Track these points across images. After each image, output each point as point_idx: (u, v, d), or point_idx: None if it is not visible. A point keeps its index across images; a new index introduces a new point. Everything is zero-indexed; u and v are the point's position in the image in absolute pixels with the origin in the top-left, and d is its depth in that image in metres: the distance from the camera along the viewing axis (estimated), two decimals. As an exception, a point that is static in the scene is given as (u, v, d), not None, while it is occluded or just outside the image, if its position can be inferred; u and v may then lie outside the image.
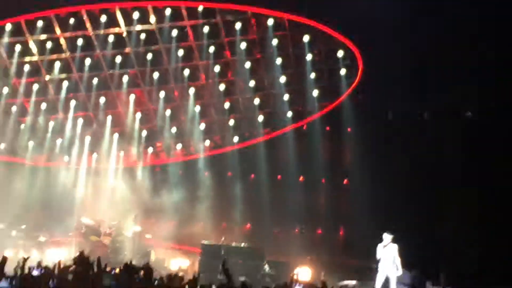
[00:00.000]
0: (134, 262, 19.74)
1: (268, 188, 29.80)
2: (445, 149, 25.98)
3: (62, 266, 14.92)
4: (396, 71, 25.69)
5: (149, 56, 28.98)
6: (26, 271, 13.91)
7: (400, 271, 22.74)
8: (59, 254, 24.82)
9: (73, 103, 30.11)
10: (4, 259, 11.19)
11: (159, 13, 27.87)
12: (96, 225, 27.10)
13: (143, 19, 28.05)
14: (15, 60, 28.72)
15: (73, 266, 14.29)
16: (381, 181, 25.66)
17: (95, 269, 13.15)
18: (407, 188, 25.77)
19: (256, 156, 29.95)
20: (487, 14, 24.60)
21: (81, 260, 13.00)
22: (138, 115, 30.46)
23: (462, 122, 26.87)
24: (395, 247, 22.71)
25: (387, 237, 22.75)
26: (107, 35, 28.42)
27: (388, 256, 22.86)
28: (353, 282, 22.93)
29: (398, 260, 22.73)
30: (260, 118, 30.01)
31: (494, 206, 24.39)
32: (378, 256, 22.77)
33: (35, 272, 14.55)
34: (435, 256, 24.21)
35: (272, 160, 29.97)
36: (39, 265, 15.71)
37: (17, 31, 28.10)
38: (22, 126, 30.32)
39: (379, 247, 22.81)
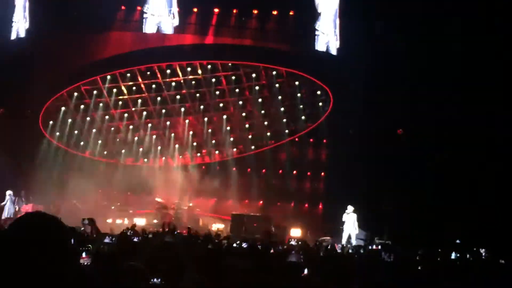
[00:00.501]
0: (188, 226, 20.11)
1: (273, 178, 29.90)
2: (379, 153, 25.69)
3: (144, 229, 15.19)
4: (355, 102, 25.55)
5: (198, 94, 28.84)
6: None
7: (357, 231, 22.94)
8: (141, 221, 25.18)
9: (149, 125, 30.13)
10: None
11: (203, 67, 27.80)
12: (165, 202, 27.24)
13: (194, 71, 28.04)
14: (112, 97, 28.77)
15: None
16: (345, 173, 25.54)
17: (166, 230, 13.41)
18: (363, 177, 25.58)
19: (266, 158, 29.95)
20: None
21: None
22: (191, 132, 30.54)
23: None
24: (355, 215, 22.92)
25: (350, 208, 22.97)
26: (171, 81, 28.32)
27: (350, 221, 23.05)
28: (328, 238, 22.94)
29: (356, 224, 22.93)
30: (268, 134, 29.91)
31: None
32: (343, 220, 22.99)
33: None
34: (381, 221, 24.08)
35: (276, 160, 29.98)
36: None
37: (113, 79, 28.09)
38: (117, 139, 30.41)
39: (344, 215, 23.02)
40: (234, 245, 14.30)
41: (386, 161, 24.84)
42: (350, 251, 17.61)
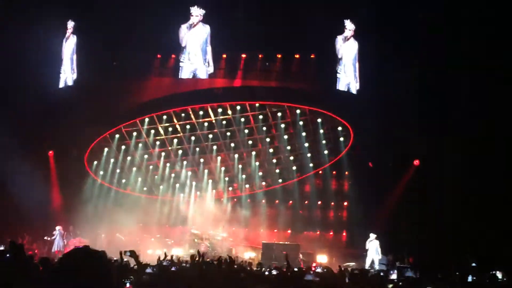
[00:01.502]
0: (222, 255, 20.19)
1: (300, 208, 30.01)
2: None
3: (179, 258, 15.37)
4: (372, 138, 25.68)
5: (228, 133, 29.23)
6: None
7: (380, 256, 22.89)
8: (179, 251, 25.31)
9: (184, 162, 30.55)
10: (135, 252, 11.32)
11: (233, 108, 28.16)
12: (200, 233, 27.39)
13: (224, 112, 28.40)
14: (151, 137, 29.19)
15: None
16: (366, 202, 25.58)
17: (200, 259, 13.55)
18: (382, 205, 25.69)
19: (292, 190, 30.11)
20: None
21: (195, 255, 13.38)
22: (223, 168, 30.81)
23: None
24: (377, 242, 22.90)
25: (372, 236, 23.01)
26: (203, 121, 28.70)
27: (373, 247, 23.05)
28: (352, 264, 22.93)
29: (379, 250, 22.91)
30: (294, 167, 30.09)
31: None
32: (366, 247, 22.96)
33: (165, 263, 14.92)
34: (403, 247, 23.97)
35: (302, 192, 30.16)
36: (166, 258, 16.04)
37: (151, 121, 28.56)
38: (156, 176, 30.77)
39: (367, 242, 23.02)
40: (266, 273, 14.42)
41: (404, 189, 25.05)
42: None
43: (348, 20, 25.76)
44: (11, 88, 24.78)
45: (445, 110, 24.20)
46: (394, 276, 19.45)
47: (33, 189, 23.98)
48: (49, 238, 25.43)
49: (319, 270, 17.95)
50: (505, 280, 16.81)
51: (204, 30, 25.41)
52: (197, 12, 25.19)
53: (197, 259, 15.26)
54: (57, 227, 25.40)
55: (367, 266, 22.47)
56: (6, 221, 24.53)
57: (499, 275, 17.60)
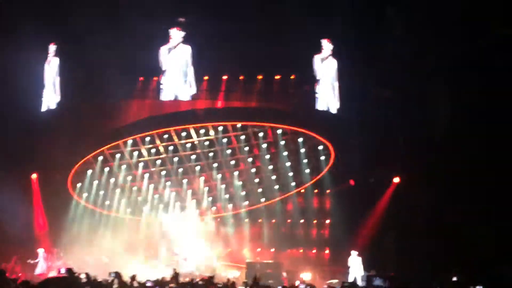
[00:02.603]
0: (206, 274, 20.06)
1: (282, 226, 30.01)
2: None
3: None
4: (355, 155, 25.78)
5: (211, 154, 29.13)
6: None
7: (362, 272, 22.96)
8: (163, 272, 25.11)
9: (168, 183, 30.44)
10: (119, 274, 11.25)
11: (215, 129, 28.06)
12: (184, 253, 27.15)
13: (206, 133, 28.26)
14: (134, 159, 29.06)
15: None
16: (346, 221, 25.68)
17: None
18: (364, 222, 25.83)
19: (275, 209, 30.11)
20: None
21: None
22: (206, 188, 30.73)
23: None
24: (359, 258, 22.96)
25: (353, 253, 23.09)
26: (186, 142, 28.56)
27: (355, 264, 23.13)
28: (335, 281, 22.96)
29: (361, 266, 22.97)
30: (276, 186, 30.07)
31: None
32: (349, 264, 23.05)
33: (148, 284, 14.82)
34: (385, 263, 24.00)
35: (284, 211, 30.17)
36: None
37: (134, 143, 28.40)
38: (139, 197, 30.58)
39: (350, 259, 23.12)
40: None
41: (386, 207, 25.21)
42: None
43: (326, 40, 25.97)
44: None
45: (426, 126, 24.36)
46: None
47: (17, 213, 23.77)
48: (32, 261, 25.17)
49: (302, 287, 18.00)
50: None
51: (185, 52, 25.48)
52: (176, 34, 25.29)
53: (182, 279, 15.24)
54: (40, 250, 25.23)
55: (349, 281, 22.51)
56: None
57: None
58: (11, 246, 25.04)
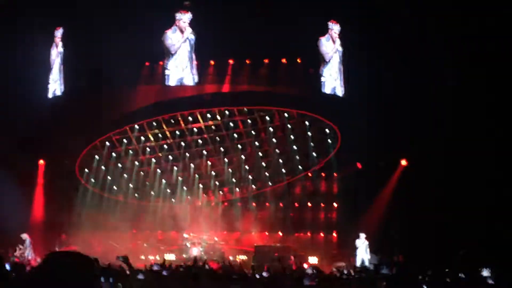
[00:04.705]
0: (214, 259, 20.05)
1: (290, 210, 29.92)
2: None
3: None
4: (361, 138, 25.50)
5: (218, 138, 29.06)
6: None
7: (369, 256, 22.83)
8: (171, 256, 25.18)
9: (175, 168, 30.36)
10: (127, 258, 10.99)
11: (222, 113, 28.03)
12: (192, 238, 27.26)
13: (213, 117, 28.27)
14: (141, 144, 29.07)
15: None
16: (354, 203, 25.53)
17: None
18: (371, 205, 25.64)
19: (282, 193, 30.00)
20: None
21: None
22: (213, 173, 30.63)
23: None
24: (366, 242, 22.82)
25: (362, 235, 22.94)
26: (193, 127, 28.64)
27: (363, 247, 22.97)
28: (343, 264, 22.86)
29: (368, 250, 22.84)
30: (283, 170, 29.91)
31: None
32: (357, 245, 22.94)
33: (155, 267, 14.82)
34: (391, 246, 23.87)
35: (292, 194, 30.06)
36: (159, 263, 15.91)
37: (140, 128, 28.39)
38: (147, 183, 30.54)
39: (357, 242, 22.99)
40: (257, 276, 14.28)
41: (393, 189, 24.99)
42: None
43: (332, 22, 25.64)
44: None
45: (433, 110, 24.04)
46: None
47: (21, 200, 23.59)
48: (21, 246, 24.17)
49: (309, 271, 17.86)
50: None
51: (190, 36, 25.13)
52: (182, 18, 24.93)
53: (189, 263, 15.18)
54: (23, 236, 24.05)
55: (357, 265, 22.37)
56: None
57: (486, 273, 17.46)
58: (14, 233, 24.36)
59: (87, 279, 3.13)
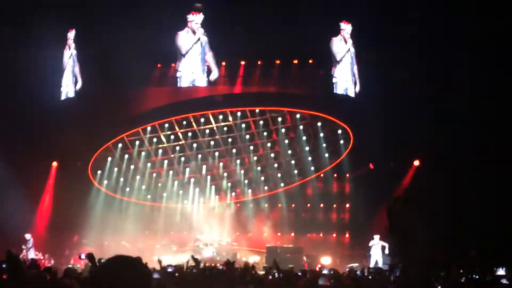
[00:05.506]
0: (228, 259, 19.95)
1: (302, 211, 29.84)
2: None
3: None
4: (372, 138, 25.36)
5: (230, 139, 29.02)
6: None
7: (382, 257, 22.69)
8: (184, 257, 25.09)
9: (187, 169, 30.34)
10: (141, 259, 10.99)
11: (233, 114, 28.01)
12: (205, 239, 27.23)
13: (225, 118, 28.28)
14: (153, 146, 29.02)
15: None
16: (366, 205, 25.35)
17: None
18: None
19: (295, 194, 29.92)
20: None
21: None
22: (225, 174, 30.59)
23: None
24: (381, 243, 22.70)
25: (376, 237, 22.79)
26: (205, 129, 28.60)
27: (377, 248, 22.83)
28: (356, 264, 22.74)
29: (386, 251, 22.69)
30: (295, 171, 29.78)
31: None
32: (370, 245, 22.83)
33: (170, 269, 14.72)
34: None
35: (304, 195, 29.95)
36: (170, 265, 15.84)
37: (153, 130, 28.41)
38: (159, 184, 30.52)
39: (371, 243, 22.86)
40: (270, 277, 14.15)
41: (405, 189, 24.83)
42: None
43: (344, 22, 25.51)
44: (12, 102, 24.46)
45: (446, 110, 23.85)
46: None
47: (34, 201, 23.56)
48: (24, 247, 24.13)
49: (325, 271, 17.70)
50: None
51: (202, 38, 25.03)
52: (194, 19, 24.84)
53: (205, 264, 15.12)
54: (27, 236, 23.89)
55: (371, 266, 22.23)
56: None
57: (502, 272, 17.26)
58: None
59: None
